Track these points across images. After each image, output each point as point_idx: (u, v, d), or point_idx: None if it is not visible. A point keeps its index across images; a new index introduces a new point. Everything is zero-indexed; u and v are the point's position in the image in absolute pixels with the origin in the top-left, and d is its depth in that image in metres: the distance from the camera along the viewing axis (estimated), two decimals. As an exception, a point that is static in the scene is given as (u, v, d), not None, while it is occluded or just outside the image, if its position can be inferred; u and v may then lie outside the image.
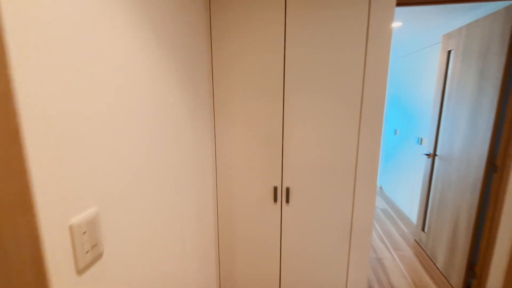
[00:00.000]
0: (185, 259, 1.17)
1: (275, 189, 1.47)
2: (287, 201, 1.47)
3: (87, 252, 0.62)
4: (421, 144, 3.23)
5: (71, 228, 0.58)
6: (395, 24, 2.57)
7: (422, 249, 2.77)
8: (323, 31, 1.26)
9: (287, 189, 1.45)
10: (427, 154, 2.63)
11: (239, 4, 1.31)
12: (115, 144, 0.72)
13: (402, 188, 3.74)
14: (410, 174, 3.50)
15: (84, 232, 0.61)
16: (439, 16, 2.44)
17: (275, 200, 1.49)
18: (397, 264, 2.52)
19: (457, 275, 2.11)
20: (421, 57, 3.28)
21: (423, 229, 2.82)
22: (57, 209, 0.55)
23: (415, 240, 2.96)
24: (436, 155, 2.52)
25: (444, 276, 2.30)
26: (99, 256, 0.66)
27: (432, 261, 2.54)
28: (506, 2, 1.92)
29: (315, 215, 1.47)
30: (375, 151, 1.32)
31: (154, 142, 0.90)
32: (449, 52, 2.35)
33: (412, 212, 3.43)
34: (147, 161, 0.87)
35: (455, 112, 2.18)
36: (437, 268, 2.43)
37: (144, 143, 0.85)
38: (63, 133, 0.55)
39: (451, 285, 2.19)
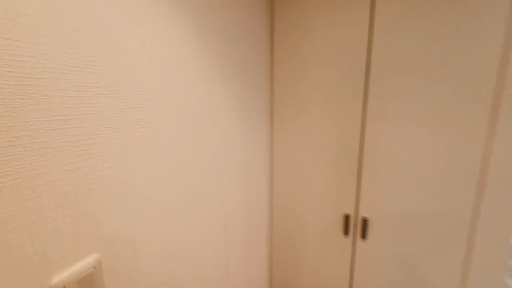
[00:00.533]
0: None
1: (347, 218, 1.12)
2: (364, 236, 1.10)
3: (77, 323, 0.43)
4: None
5: (51, 291, 0.40)
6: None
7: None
8: (433, 6, 0.85)
9: (364, 220, 1.08)
10: None
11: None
12: (124, 149, 0.52)
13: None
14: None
15: (74, 295, 0.42)
16: None
17: (346, 232, 1.14)
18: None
19: None
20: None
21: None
22: (30, 263, 0.37)
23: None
24: None
25: None
26: (99, 323, 0.48)
27: None
28: None
29: (407, 262, 1.05)
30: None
31: (184, 156, 0.69)
32: None
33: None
34: (176, 181, 0.66)
35: None
36: None
37: (172, 154, 0.64)
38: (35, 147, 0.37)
39: None
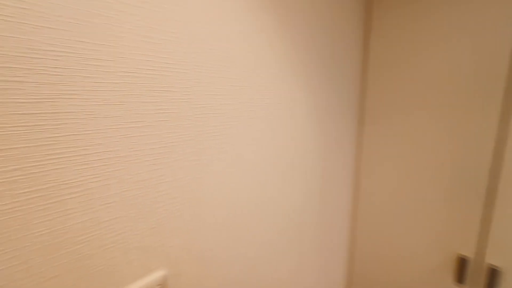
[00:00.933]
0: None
1: (462, 262, 0.84)
2: (490, 291, 0.80)
3: None
4: None
5: (117, 307, 0.38)
6: None
7: None
8: None
9: (493, 271, 0.78)
10: None
11: None
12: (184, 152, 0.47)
13: None
14: None
15: (137, 313, 0.40)
16: None
17: (460, 280, 0.85)
18: None
19: None
20: None
21: None
22: (99, 275, 0.36)
23: None
24: None
25: None
26: None
27: None
28: None
29: None
30: None
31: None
32: None
33: None
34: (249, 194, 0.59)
35: None
36: None
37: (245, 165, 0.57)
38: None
39: None
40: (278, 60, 0.59)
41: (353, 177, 1.03)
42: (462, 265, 0.85)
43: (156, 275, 0.43)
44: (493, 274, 0.79)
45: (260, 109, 0.57)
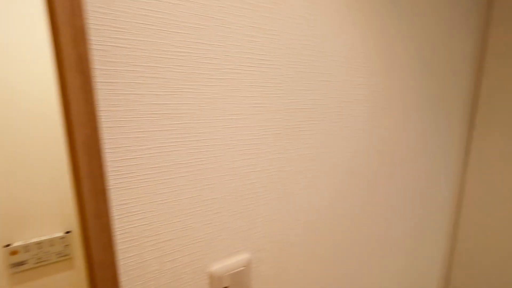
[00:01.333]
0: None
1: None
2: None
3: (226, 314, 0.45)
4: None
5: (211, 277, 0.43)
6: None
7: None
8: None
9: None
10: None
11: None
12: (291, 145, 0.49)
13: None
14: None
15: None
16: None
17: None
18: None
19: None
20: None
21: None
22: (198, 246, 0.41)
23: None
24: None
25: None
26: (242, 320, 0.48)
27: None
28: None
29: None
30: None
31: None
32: None
33: None
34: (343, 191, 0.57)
35: None
36: None
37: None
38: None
39: None
40: (372, 54, 0.55)
41: (457, 189, 0.87)
42: None
43: (242, 256, 0.46)
44: None
45: (349, 105, 0.54)
